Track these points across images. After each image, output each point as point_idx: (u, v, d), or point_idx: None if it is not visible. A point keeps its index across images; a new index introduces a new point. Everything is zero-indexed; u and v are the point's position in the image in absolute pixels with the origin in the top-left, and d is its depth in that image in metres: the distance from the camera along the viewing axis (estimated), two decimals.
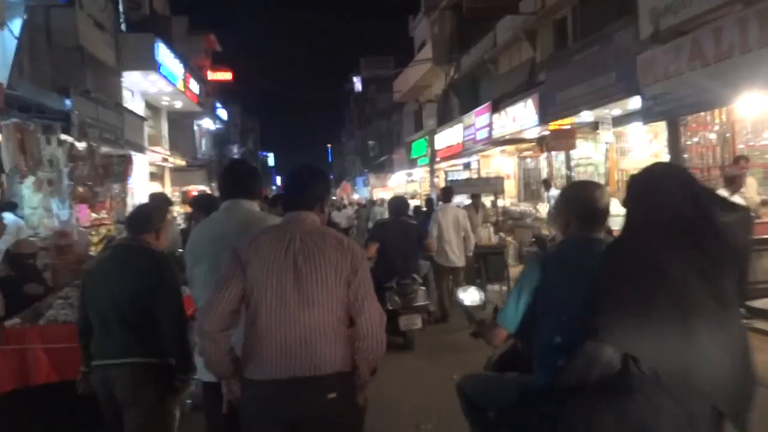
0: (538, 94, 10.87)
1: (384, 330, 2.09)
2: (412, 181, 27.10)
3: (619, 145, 10.68)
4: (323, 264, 2.03)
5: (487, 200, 10.91)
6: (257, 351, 2.03)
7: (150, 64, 16.50)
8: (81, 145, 9.79)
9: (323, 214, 2.25)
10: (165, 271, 2.76)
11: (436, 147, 19.37)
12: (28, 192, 9.53)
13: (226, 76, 29.33)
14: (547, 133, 12.19)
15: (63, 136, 9.72)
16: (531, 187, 13.78)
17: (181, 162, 22.32)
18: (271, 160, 78.90)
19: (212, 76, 29.38)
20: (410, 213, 8.62)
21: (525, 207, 13.01)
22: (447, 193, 7.93)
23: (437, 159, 19.66)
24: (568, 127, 10.32)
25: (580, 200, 2.03)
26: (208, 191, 26.66)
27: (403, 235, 6.14)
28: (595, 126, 10.29)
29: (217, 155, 30.47)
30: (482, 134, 14.38)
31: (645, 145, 10.50)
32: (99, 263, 2.92)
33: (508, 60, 15.57)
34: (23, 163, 8.28)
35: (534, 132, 12.96)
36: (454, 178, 14.26)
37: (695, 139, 7.90)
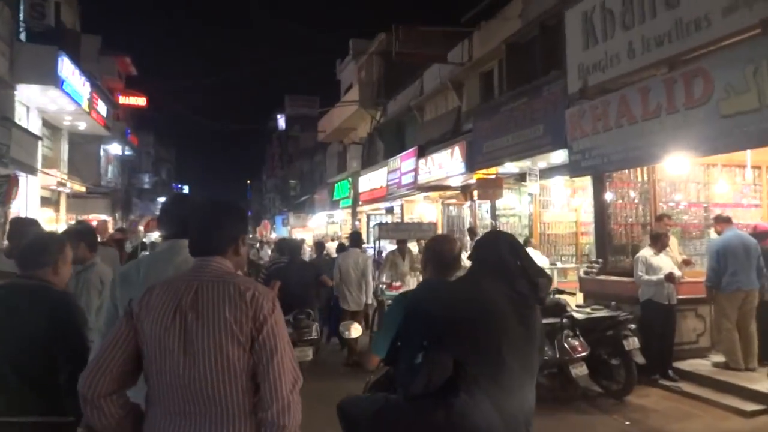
0: (465, 142, 10.81)
1: (297, 396, 1.75)
2: (333, 222, 26.50)
3: (542, 198, 10.74)
4: (216, 322, 1.72)
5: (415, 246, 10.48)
6: (151, 421, 1.78)
7: (50, 78, 14.98)
8: None
9: (240, 256, 1.95)
10: (69, 312, 2.40)
11: (360, 189, 19.00)
12: None
13: (140, 101, 27.65)
14: (472, 181, 12.15)
15: None
16: (454, 234, 13.62)
17: (80, 188, 20.32)
18: (186, 192, 75.49)
19: (124, 100, 27.59)
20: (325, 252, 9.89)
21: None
22: (354, 239, 8.44)
23: (360, 202, 19.26)
24: (494, 176, 10.25)
25: (436, 252, 2.66)
26: (111, 221, 24.59)
27: (299, 273, 6.76)
28: (520, 177, 10.30)
29: (125, 183, 28.31)
30: (407, 179, 14.16)
31: (565, 200, 10.63)
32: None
33: (435, 107, 15.67)
34: None
35: (458, 180, 12.90)
36: (382, 221, 13.82)
37: (619, 196, 7.98)
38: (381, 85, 19.98)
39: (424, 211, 15.82)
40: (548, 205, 10.86)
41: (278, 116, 39.56)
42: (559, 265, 9.90)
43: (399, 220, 15.61)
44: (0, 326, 2.30)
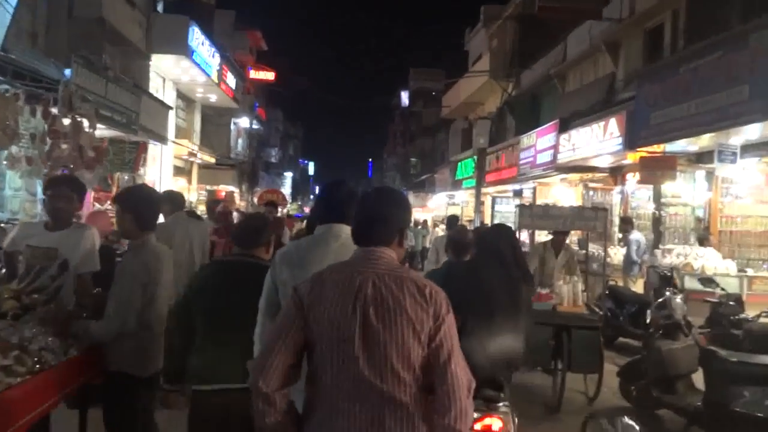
0: (625, 113, 8.79)
1: (471, 402, 1.70)
2: (454, 204, 25.06)
3: (724, 186, 8.46)
4: (400, 320, 1.64)
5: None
6: (316, 421, 1.69)
7: (181, 48, 15.15)
8: (67, 121, 8.24)
9: (402, 248, 1.86)
10: None
11: (486, 169, 17.35)
12: (12, 171, 8.08)
13: (269, 75, 28.10)
14: (627, 161, 10.07)
15: (54, 109, 8.24)
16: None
17: (210, 159, 20.95)
18: (311, 168, 78.17)
19: (254, 75, 28.22)
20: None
21: (593, 249, 10.83)
22: (451, 222, 7.98)
23: (485, 182, 17.62)
24: (662, 155, 8.17)
25: (456, 240, 4.12)
26: (237, 192, 25.38)
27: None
28: (695, 157, 8.13)
29: (252, 157, 29.17)
30: (544, 157, 12.32)
31: (758, 188, 8.25)
32: (206, 280, 2.69)
33: (580, 75, 13.51)
34: None
35: (607, 160, 10.85)
36: (523, 204, 11.86)
37: None
38: (515, 53, 17.98)
39: (561, 195, 13.84)
40: (729, 194, 8.55)
41: (402, 92, 38.61)
42: (751, 272, 7.66)
43: (544, 203, 13.80)
44: (232, 298, 2.46)
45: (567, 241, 6.41)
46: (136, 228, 2.74)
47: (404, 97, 38.47)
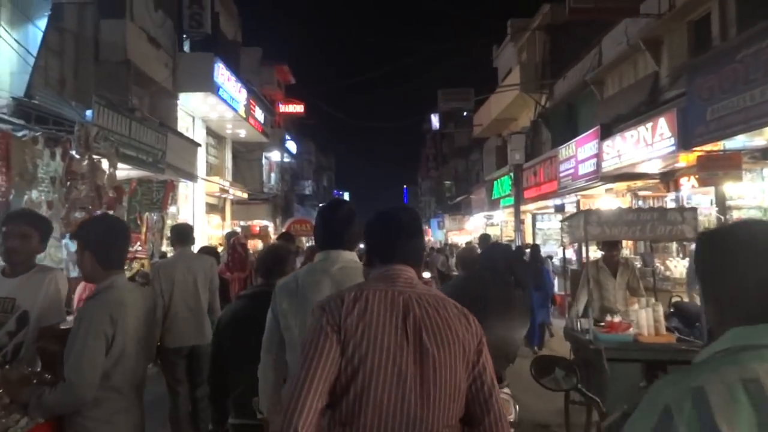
0: (676, 110, 8.00)
1: None
2: (492, 224, 24.21)
3: None
4: (452, 343, 1.48)
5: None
6: None
7: (207, 85, 15.18)
8: (85, 161, 8.05)
9: (419, 268, 1.69)
10: None
11: (524, 185, 16.57)
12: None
13: (298, 108, 28.23)
14: (680, 165, 9.21)
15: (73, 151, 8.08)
16: None
17: (242, 194, 20.88)
18: (346, 198, 78.45)
19: (284, 108, 28.41)
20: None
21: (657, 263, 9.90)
22: (484, 240, 8.16)
23: (524, 199, 16.82)
24: (724, 152, 7.32)
25: (464, 257, 4.70)
26: (272, 226, 25.25)
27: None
28: (762, 153, 7.25)
29: (285, 190, 29.15)
30: (586, 168, 11.52)
31: None
32: (237, 314, 2.76)
33: (619, 78, 12.73)
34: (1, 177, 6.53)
35: (656, 165, 9.99)
36: (588, 210, 10.85)
37: None
38: (546, 64, 17.34)
39: (608, 207, 12.91)
40: None
41: (432, 116, 38.26)
42: None
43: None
44: (255, 329, 2.24)
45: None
46: (99, 268, 2.21)
47: (434, 120, 38.11)
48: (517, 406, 3.51)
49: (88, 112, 9.13)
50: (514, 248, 10.94)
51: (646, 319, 4.38)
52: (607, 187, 12.42)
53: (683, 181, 10.21)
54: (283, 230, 17.97)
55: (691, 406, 0.91)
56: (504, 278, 3.90)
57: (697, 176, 7.54)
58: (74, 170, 7.38)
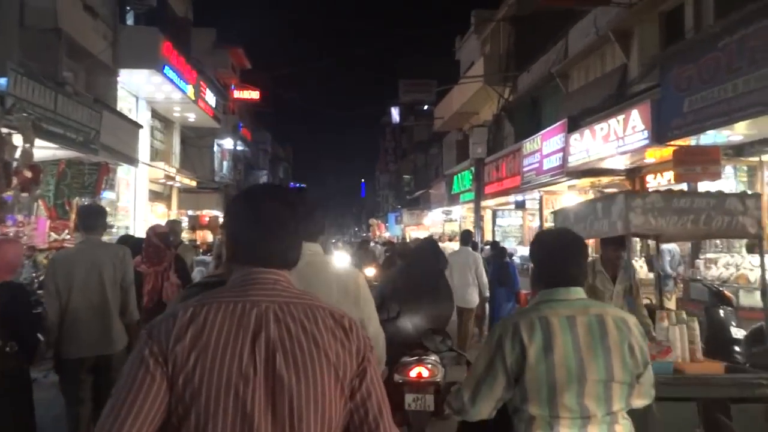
0: (650, 102, 7.60)
1: None
2: (451, 220, 23.83)
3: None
4: (318, 367, 1.17)
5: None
6: None
7: (151, 62, 14.00)
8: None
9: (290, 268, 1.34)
10: None
11: (485, 180, 16.16)
12: None
13: (253, 95, 27.02)
14: (650, 161, 8.87)
15: None
16: None
17: (190, 182, 19.67)
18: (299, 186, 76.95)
19: (238, 94, 27.14)
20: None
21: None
22: (465, 237, 8.23)
23: (484, 194, 16.42)
24: (699, 146, 6.95)
25: (400, 251, 8.32)
26: (221, 217, 24.02)
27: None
28: (736, 150, 6.93)
29: (238, 180, 27.91)
30: (551, 162, 11.13)
31: None
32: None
33: (585, 72, 12.41)
34: None
35: (621, 161, 9.67)
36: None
37: None
38: (510, 56, 16.96)
39: (570, 204, 12.61)
40: None
41: (392, 108, 37.64)
42: None
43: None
44: None
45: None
46: None
47: (394, 113, 37.50)
48: (444, 369, 3.82)
49: (2, 80, 7.98)
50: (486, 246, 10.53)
51: (680, 341, 3.22)
52: (570, 184, 12.09)
53: (650, 178, 9.94)
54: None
55: (512, 332, 1.84)
56: (430, 266, 4.91)
57: (671, 172, 7.13)
58: None
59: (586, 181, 11.44)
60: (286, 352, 1.15)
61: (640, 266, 8.92)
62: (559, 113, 12.67)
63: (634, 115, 7.91)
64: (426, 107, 32.31)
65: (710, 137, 7.12)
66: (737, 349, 5.70)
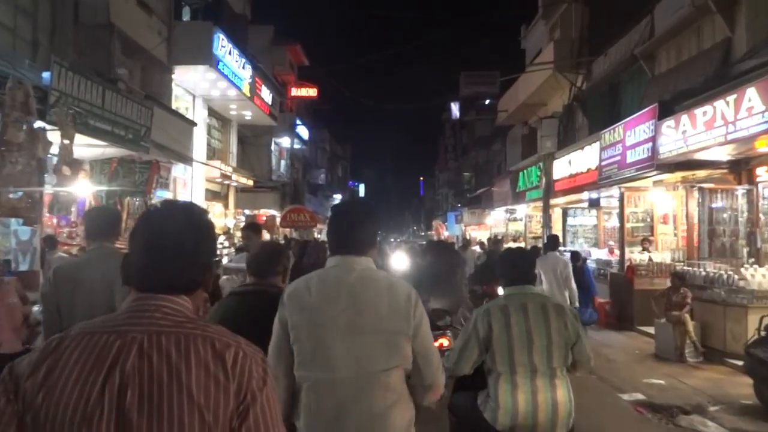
0: None
1: None
2: (515, 219, 22.44)
3: None
4: (176, 404, 1.05)
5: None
6: None
7: (205, 57, 13.70)
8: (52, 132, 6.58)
9: (201, 294, 1.24)
10: None
11: (555, 176, 14.84)
12: None
13: (311, 92, 26.66)
14: (764, 150, 7.44)
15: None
16: (720, 237, 8.85)
17: (247, 181, 19.45)
18: (362, 190, 77.04)
19: (296, 92, 26.87)
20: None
21: (713, 269, 8.19)
22: (552, 241, 8.06)
23: (554, 191, 15.09)
24: None
25: (429, 247, 7.46)
26: (279, 216, 23.84)
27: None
28: None
29: (295, 179, 27.69)
30: (636, 154, 9.78)
31: None
32: (228, 313, 2.43)
33: (676, 51, 10.94)
34: None
35: (724, 151, 8.25)
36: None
37: None
38: (583, 41, 15.50)
39: (660, 201, 11.16)
40: None
41: (452, 104, 36.48)
42: None
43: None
44: (252, 334, 1.55)
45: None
46: None
47: (454, 109, 36.33)
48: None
49: (45, 74, 7.66)
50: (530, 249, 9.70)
51: None
52: (657, 179, 10.66)
53: (760, 171, 8.45)
54: (280, 218, 16.30)
55: (483, 316, 2.71)
56: (448, 262, 5.67)
57: None
58: (8, 139, 5.88)
59: (677, 175, 9.99)
60: (140, 390, 1.04)
61: (751, 275, 7.53)
62: (643, 100, 11.25)
63: (751, 93, 6.54)
64: (488, 102, 30.96)
65: None
66: None
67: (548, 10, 18.02)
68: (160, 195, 12.29)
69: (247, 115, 18.85)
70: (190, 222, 1.20)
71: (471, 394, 2.85)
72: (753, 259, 8.41)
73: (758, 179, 8.41)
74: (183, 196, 15.26)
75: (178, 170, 14.35)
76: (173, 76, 14.06)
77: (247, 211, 21.07)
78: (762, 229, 8.49)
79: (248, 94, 16.56)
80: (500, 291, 5.83)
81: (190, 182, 15.51)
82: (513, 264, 2.93)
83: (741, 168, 8.60)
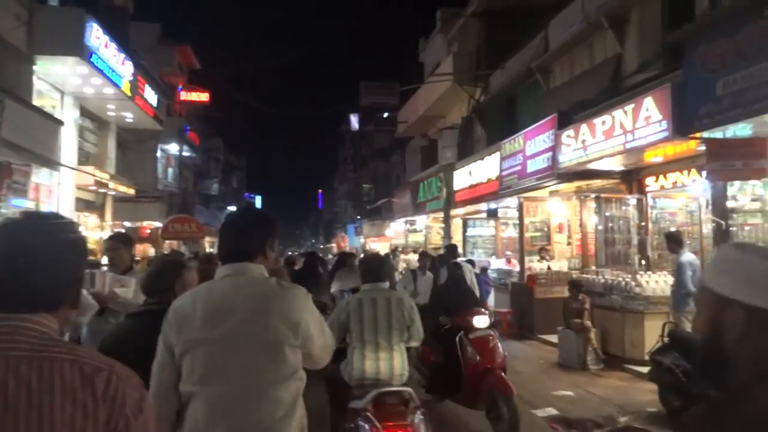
0: (669, 87, 6.39)
1: None
2: (415, 230, 22.45)
3: None
4: None
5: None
6: None
7: (75, 48, 12.04)
8: None
9: (74, 312, 1.19)
10: None
11: (455, 187, 14.87)
12: None
13: (202, 96, 25.02)
14: (656, 160, 7.70)
15: None
16: (615, 245, 9.10)
17: (128, 190, 17.56)
18: (258, 202, 74.42)
19: (186, 96, 25.09)
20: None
21: (611, 276, 8.34)
22: (451, 251, 8.53)
23: (454, 203, 15.12)
24: (733, 136, 5.75)
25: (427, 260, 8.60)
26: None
27: None
28: None
29: (183, 188, 25.76)
30: (537, 164, 9.87)
31: None
32: (119, 337, 2.42)
33: (570, 65, 11.31)
34: None
35: (616, 162, 8.52)
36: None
37: None
38: (481, 55, 15.79)
39: (556, 211, 11.41)
40: None
41: (351, 116, 36.24)
42: None
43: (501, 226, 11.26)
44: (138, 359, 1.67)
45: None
46: None
47: (354, 121, 36.11)
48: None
49: None
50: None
51: None
52: (553, 189, 10.89)
53: (649, 180, 8.80)
54: (161, 229, 14.68)
55: (344, 306, 3.81)
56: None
57: (675, 174, 5.90)
58: None
59: (573, 185, 10.23)
60: None
61: (646, 281, 7.72)
62: (539, 112, 11.50)
63: (648, 103, 6.69)
64: (386, 115, 31.06)
65: (741, 130, 5.96)
66: None
67: (446, 24, 18.28)
68: (16, 204, 10.57)
69: (129, 117, 17.06)
70: (50, 234, 1.13)
71: (336, 364, 3.66)
72: (644, 266, 8.71)
73: (647, 189, 8.74)
74: (48, 206, 13.32)
75: (42, 176, 12.48)
76: (35, 68, 12.23)
77: (127, 223, 19.10)
78: (651, 237, 8.82)
79: (129, 94, 14.92)
80: (476, 321, 5.35)
81: (57, 190, 13.59)
82: (370, 266, 3.94)
83: (632, 178, 8.91)
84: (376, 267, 3.86)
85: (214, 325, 1.76)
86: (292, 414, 1.80)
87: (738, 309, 1.03)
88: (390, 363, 3.55)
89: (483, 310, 5.64)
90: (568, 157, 8.66)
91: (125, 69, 14.54)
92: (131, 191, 18.05)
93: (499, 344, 5.24)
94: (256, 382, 1.76)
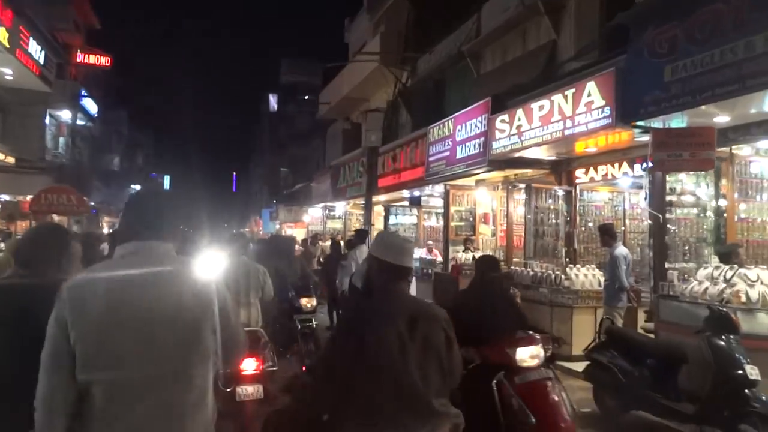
0: (614, 71, 6.07)
1: None
2: (333, 217, 21.65)
3: (742, 177, 6.07)
4: None
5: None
6: None
7: None
8: None
9: None
10: None
11: (379, 172, 14.24)
12: None
13: (103, 60, 22.54)
14: (591, 150, 7.46)
15: None
16: (543, 237, 8.85)
17: (6, 158, 15.38)
18: (166, 183, 69.97)
19: (83, 58, 22.46)
20: None
21: (540, 268, 8.08)
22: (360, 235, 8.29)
23: (377, 189, 14.51)
24: (677, 125, 5.52)
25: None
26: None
27: None
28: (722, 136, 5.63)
29: (76, 161, 23.22)
30: (467, 150, 9.43)
31: None
32: None
33: (502, 51, 10.99)
34: None
35: (549, 151, 8.26)
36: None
37: None
38: (409, 37, 15.21)
39: (482, 200, 11.09)
40: (748, 192, 6.21)
41: (270, 96, 34.62)
42: None
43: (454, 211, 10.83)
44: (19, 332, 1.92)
45: None
46: None
47: (273, 101, 34.53)
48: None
49: None
50: None
51: None
52: (480, 177, 10.56)
53: (579, 173, 8.62)
54: (30, 200, 12.59)
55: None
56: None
57: (606, 167, 5.62)
58: None
59: (500, 174, 9.93)
60: None
61: (575, 275, 7.50)
62: (468, 98, 11.10)
63: (591, 87, 6.36)
64: (307, 97, 29.86)
65: (677, 121, 5.76)
66: (752, 393, 4.25)
67: (373, 4, 17.55)
68: None
69: (7, 73, 14.80)
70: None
71: None
72: (568, 259, 8.55)
73: (577, 181, 8.56)
74: None
75: None
76: None
77: (5, 196, 16.80)
78: (578, 229, 8.67)
79: (6, 45, 12.83)
80: (520, 354, 3.78)
81: None
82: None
83: (562, 169, 8.70)
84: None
85: (115, 305, 1.63)
86: (203, 402, 1.71)
87: (374, 259, 2.27)
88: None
89: (532, 334, 3.83)
90: (502, 143, 8.27)
91: (3, 15, 12.48)
92: (11, 160, 15.86)
93: (564, 394, 3.65)
94: (165, 366, 1.65)
